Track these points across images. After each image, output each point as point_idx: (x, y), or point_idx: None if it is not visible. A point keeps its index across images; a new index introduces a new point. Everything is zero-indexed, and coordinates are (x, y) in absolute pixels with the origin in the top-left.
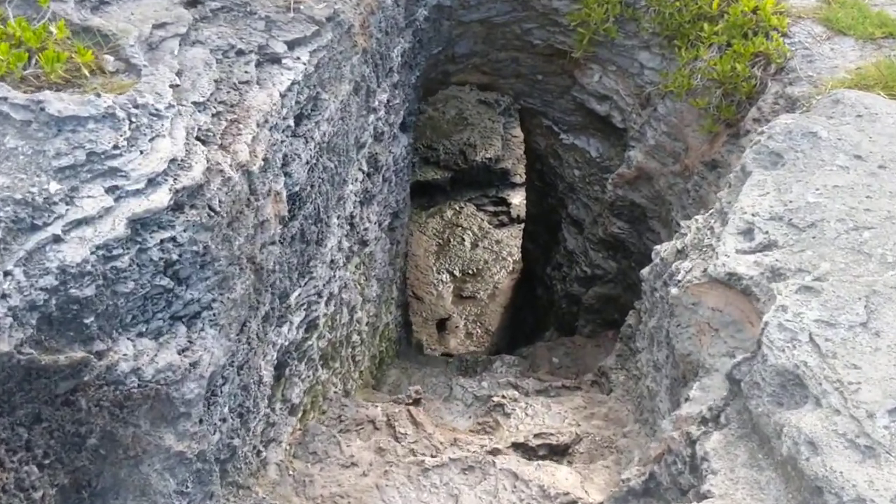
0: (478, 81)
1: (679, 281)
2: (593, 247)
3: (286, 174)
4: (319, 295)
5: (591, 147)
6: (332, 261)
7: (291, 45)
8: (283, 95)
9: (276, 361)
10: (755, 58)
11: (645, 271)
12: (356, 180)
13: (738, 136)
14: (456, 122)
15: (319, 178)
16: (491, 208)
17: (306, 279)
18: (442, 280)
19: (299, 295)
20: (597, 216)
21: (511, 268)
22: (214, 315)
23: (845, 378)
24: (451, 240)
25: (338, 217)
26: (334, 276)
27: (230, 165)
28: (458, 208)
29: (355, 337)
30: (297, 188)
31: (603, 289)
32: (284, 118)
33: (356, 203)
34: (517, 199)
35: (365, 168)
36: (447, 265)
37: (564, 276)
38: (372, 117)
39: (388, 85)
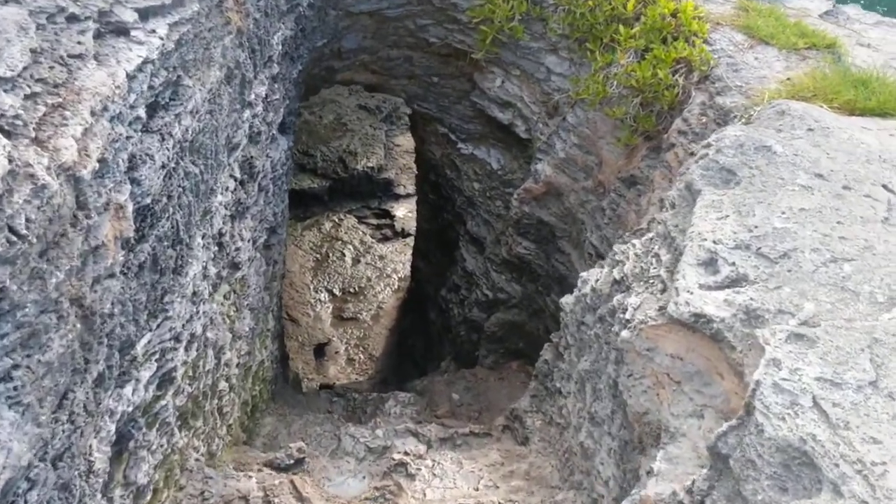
0: (366, 81)
1: (628, 321)
2: (496, 268)
3: (133, 181)
4: (177, 339)
5: (491, 158)
6: (194, 293)
7: (145, 13)
8: (130, 77)
9: (114, 436)
10: (677, 64)
11: (568, 301)
12: (227, 189)
13: (659, 150)
14: (334, 128)
15: (180, 186)
16: (373, 221)
17: (159, 320)
18: (320, 300)
19: (149, 342)
20: (499, 234)
21: (396, 286)
22: (15, 390)
23: (866, 457)
24: (331, 255)
25: (203, 236)
26: (197, 312)
27: (47, 168)
28: (337, 220)
29: (223, 384)
30: (148, 200)
31: (506, 315)
32: (132, 107)
33: (226, 217)
34: (401, 211)
35: (238, 174)
36: (326, 283)
37: (462, 299)
38: (247, 113)
39: (267, 77)
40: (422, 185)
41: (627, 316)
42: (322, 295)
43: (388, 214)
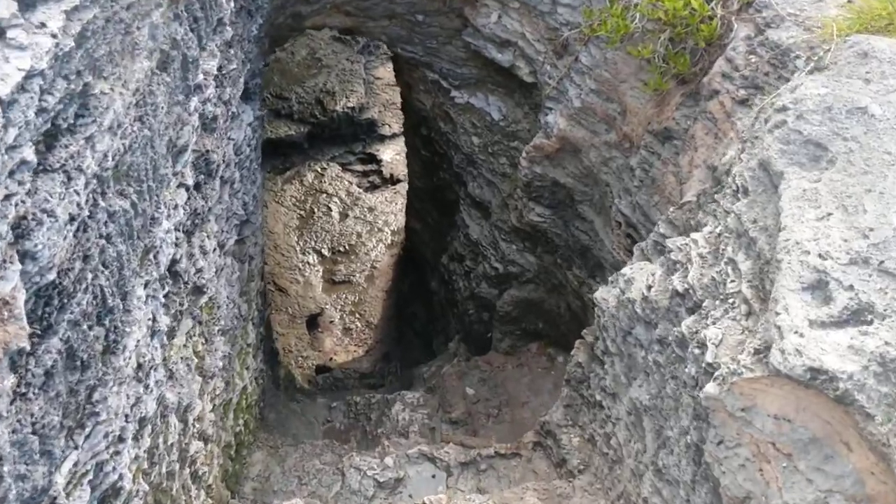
0: (340, 25)
1: (710, 365)
2: (504, 237)
3: (24, 256)
4: (120, 438)
5: (491, 107)
6: (139, 365)
7: (28, 2)
8: (6, 103)
9: None
10: None
11: (606, 298)
12: (175, 207)
13: (698, 98)
14: (308, 65)
15: (101, 237)
16: (359, 168)
17: (87, 430)
18: (308, 262)
19: (76, 464)
20: (507, 198)
21: (389, 241)
22: None
23: None
24: (316, 210)
25: (146, 284)
26: (147, 387)
27: None
28: (319, 170)
29: (195, 445)
30: (51, 275)
31: (521, 291)
32: (13, 148)
33: (179, 240)
34: (388, 154)
35: (189, 180)
36: (313, 243)
37: (468, 271)
38: (195, 101)
39: (220, 45)
40: (412, 139)
41: (708, 358)
42: (310, 257)
43: (374, 159)
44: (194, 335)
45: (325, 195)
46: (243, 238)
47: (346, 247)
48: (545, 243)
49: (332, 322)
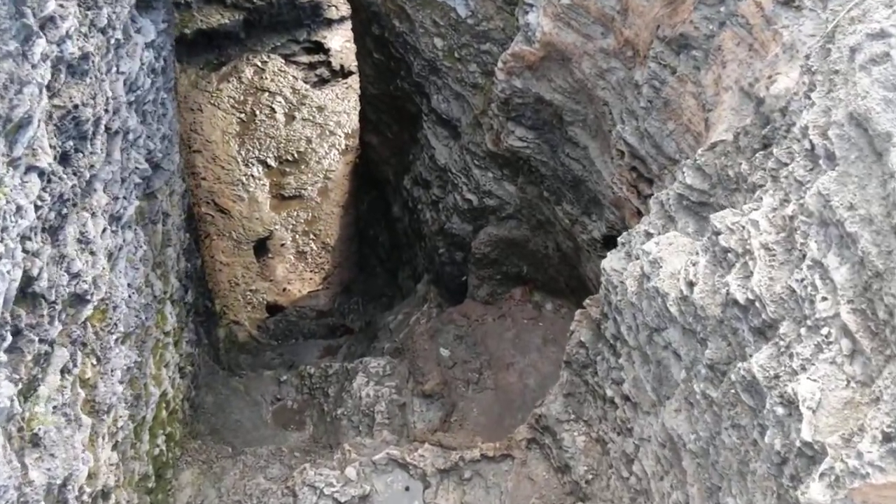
0: None
1: (813, 450)
2: (478, 163)
3: None
4: None
5: (458, 0)
6: None
7: None
8: None
9: None
10: None
11: (616, 270)
12: (17, 211)
13: None
14: None
15: None
16: (304, 59)
17: None
18: (253, 175)
19: None
20: (479, 115)
21: (343, 146)
22: None
23: None
24: (258, 112)
25: None
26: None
27: None
28: (259, 63)
29: None
30: None
31: (500, 229)
32: None
33: (38, 249)
34: (337, 41)
35: (45, 159)
36: (257, 152)
37: (435, 200)
38: (41, 44)
39: None
40: (361, 38)
41: (805, 434)
42: (254, 169)
43: (321, 48)
44: (76, 364)
45: (267, 94)
46: (153, 192)
47: (295, 155)
48: (528, 172)
49: (283, 245)
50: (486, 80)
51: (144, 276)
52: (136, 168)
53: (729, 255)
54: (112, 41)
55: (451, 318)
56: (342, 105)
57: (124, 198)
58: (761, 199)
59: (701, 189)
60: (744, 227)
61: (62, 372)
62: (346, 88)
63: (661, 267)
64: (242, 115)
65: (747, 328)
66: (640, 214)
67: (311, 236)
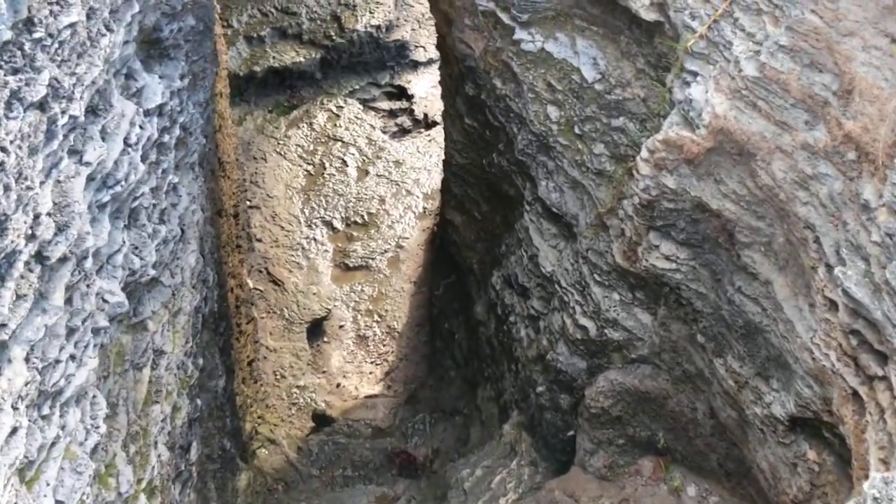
0: None
1: None
2: (601, 278)
3: None
4: None
5: (581, 59)
6: None
7: None
8: None
9: None
10: None
11: None
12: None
13: None
14: None
15: None
16: (384, 105)
17: None
18: (315, 239)
19: None
20: (605, 215)
21: (421, 208)
22: None
23: None
24: (327, 165)
25: None
26: None
27: None
28: (334, 108)
29: None
30: None
31: (628, 376)
32: None
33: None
34: (422, 86)
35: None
36: (322, 211)
37: (535, 316)
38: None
39: None
40: (450, 97)
41: None
42: (318, 231)
43: (403, 94)
44: None
45: (339, 144)
46: (143, 321)
47: (365, 217)
48: (675, 304)
49: (341, 327)
50: (617, 166)
51: (95, 474)
52: (102, 305)
53: None
54: (62, 121)
55: (551, 497)
56: (423, 160)
57: (70, 358)
58: None
59: None
60: None
61: None
62: (429, 141)
63: None
64: (310, 168)
65: None
66: (856, 400)
67: (376, 317)
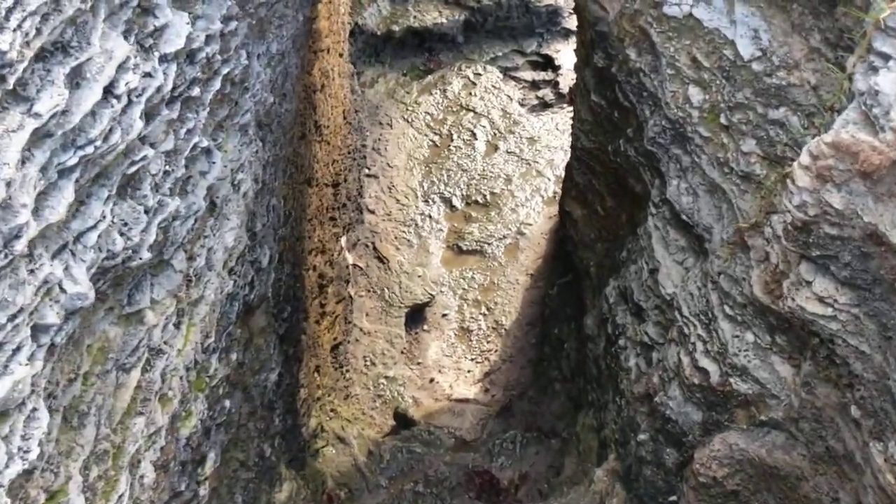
0: None
1: None
2: (732, 311)
3: None
4: None
5: (738, 29)
6: None
7: None
8: None
9: None
10: None
11: None
12: None
13: None
14: None
15: None
16: (527, 75)
17: None
18: (430, 216)
19: None
20: (748, 231)
21: (551, 193)
22: None
23: None
24: (454, 136)
25: None
26: None
27: None
28: (472, 76)
29: None
30: None
31: (753, 442)
32: None
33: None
34: (571, 57)
35: None
36: (442, 186)
37: (648, 345)
38: None
39: None
40: (580, 66)
41: None
42: (434, 208)
43: (550, 64)
44: None
45: (471, 115)
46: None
47: (488, 196)
48: (826, 359)
49: (444, 316)
50: (770, 170)
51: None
52: (55, 296)
53: None
54: None
55: None
56: (560, 139)
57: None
58: None
59: None
60: None
61: None
62: (570, 119)
63: None
64: (436, 138)
65: None
66: None
67: (483, 309)
